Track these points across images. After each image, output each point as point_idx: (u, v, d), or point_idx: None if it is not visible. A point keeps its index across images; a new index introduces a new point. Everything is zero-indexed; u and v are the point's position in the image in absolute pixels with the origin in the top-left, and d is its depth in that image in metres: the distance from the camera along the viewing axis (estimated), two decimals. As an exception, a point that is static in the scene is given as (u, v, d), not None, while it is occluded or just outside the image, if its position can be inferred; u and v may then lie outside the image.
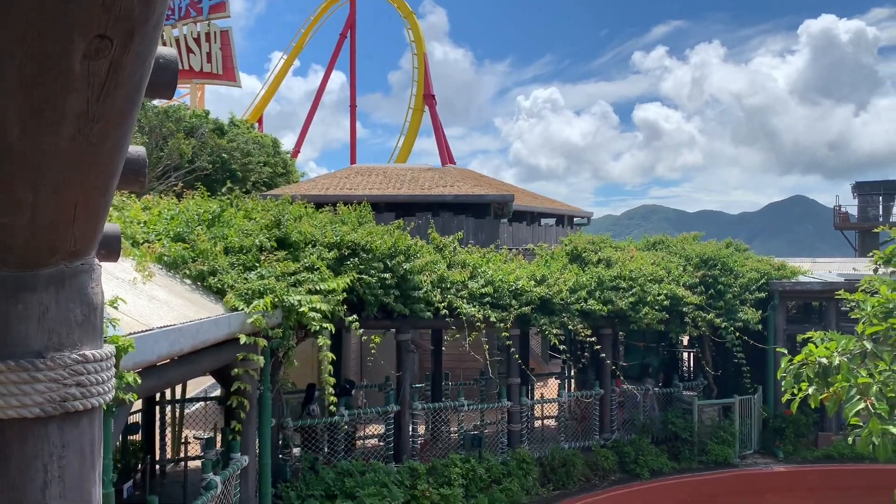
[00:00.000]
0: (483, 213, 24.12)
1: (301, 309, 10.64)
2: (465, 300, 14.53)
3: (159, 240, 10.93)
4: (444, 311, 14.05)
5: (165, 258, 10.44)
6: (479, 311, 14.41)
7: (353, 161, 59.87)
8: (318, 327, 10.74)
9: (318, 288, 11.38)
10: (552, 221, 31.83)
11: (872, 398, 5.99)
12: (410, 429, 14.67)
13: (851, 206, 46.61)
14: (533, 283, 15.54)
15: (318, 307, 10.82)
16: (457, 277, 14.63)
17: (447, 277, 14.45)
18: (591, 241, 18.86)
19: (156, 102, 31.43)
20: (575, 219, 33.47)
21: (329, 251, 12.54)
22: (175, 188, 18.05)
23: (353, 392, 16.49)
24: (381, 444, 14.41)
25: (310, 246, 12.59)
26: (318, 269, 11.89)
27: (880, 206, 44.65)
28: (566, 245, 18.76)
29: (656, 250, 19.92)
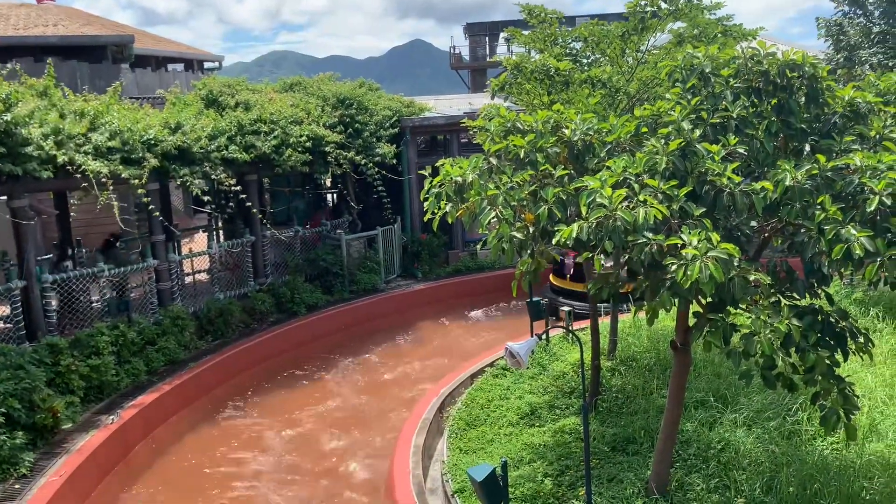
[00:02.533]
0: (99, 58, 21.31)
1: None
2: (89, 155, 12.96)
3: None
4: (67, 168, 12.42)
5: None
6: (107, 166, 13.01)
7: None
8: None
9: None
10: (181, 67, 29.50)
11: (500, 207, 6.77)
12: (42, 304, 13.15)
13: (463, 48, 50.76)
14: (167, 131, 14.41)
15: None
16: (75, 129, 12.90)
17: (63, 129, 12.66)
18: (226, 84, 17.94)
19: None
20: (205, 64, 31.44)
21: None
22: None
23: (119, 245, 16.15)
24: (9, 325, 12.72)
25: None
26: None
27: (487, 46, 49.29)
28: (200, 89, 17.60)
29: (294, 92, 19.72)
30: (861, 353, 6.41)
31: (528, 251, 7.25)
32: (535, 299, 12.90)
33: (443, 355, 16.30)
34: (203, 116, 16.01)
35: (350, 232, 19.86)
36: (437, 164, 7.82)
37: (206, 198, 15.52)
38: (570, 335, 12.04)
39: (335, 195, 23.78)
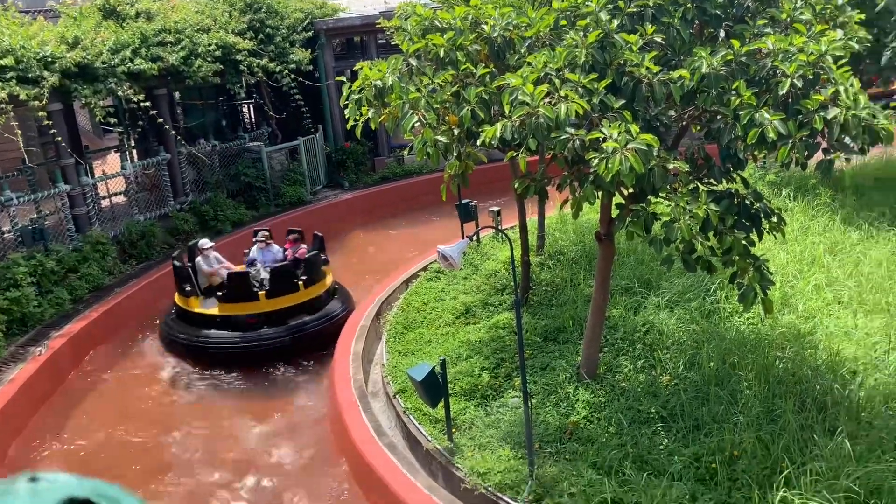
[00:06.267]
0: (-24, -32, 19.50)
1: None
2: (-20, 77, 12.08)
3: None
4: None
5: None
6: (2, 90, 12.17)
7: None
8: None
9: None
10: (69, -26, 27.29)
11: (422, 110, 6.67)
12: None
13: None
14: (65, 47, 13.49)
15: None
16: (-39, 49, 11.95)
17: (-52, 50, 11.72)
18: (123, -9, 16.75)
19: None
20: (97, -30, 29.16)
21: None
22: None
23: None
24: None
25: None
26: None
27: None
28: (95, -1, 16.41)
29: (197, -2, 18.59)
30: (775, 233, 6.73)
31: (455, 154, 7.23)
32: (464, 201, 12.97)
33: (376, 262, 16.37)
34: (102, 29, 15.02)
35: (270, 144, 19.33)
36: (356, 68, 7.61)
37: (112, 119, 14.80)
38: (500, 234, 12.22)
39: (250, 107, 22.94)
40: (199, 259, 12.79)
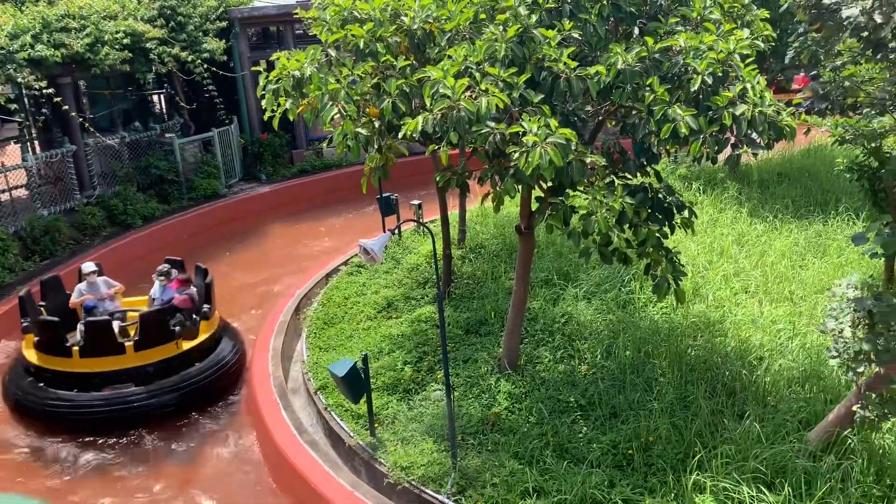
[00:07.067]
0: None
1: None
2: None
3: None
4: None
5: None
6: None
7: None
8: None
9: None
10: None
11: (342, 102, 6.57)
12: None
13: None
14: (-44, 30, 12.68)
15: None
16: None
17: None
18: (22, -27, 15.89)
19: None
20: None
21: None
22: None
23: None
24: None
25: None
26: None
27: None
28: (-10, -20, 15.48)
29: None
30: (686, 228, 6.95)
31: (376, 146, 7.16)
32: (385, 195, 12.90)
33: (295, 258, 16.09)
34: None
35: (182, 135, 18.70)
36: (272, 58, 7.42)
37: (13, 106, 14.02)
38: (422, 227, 12.23)
39: (161, 97, 22.13)
40: (79, 286, 10.67)
